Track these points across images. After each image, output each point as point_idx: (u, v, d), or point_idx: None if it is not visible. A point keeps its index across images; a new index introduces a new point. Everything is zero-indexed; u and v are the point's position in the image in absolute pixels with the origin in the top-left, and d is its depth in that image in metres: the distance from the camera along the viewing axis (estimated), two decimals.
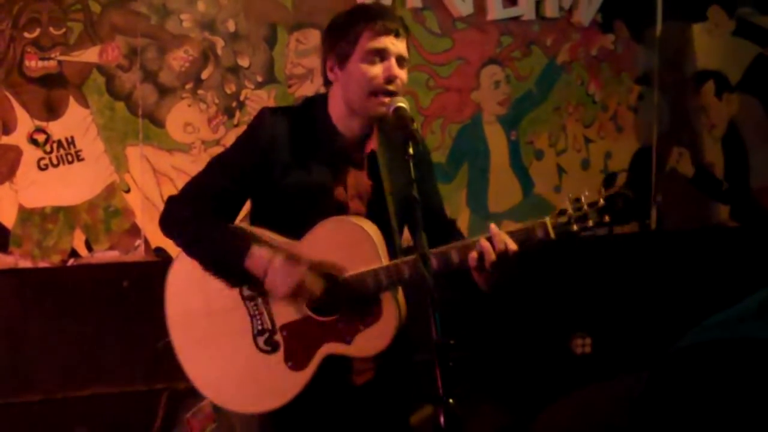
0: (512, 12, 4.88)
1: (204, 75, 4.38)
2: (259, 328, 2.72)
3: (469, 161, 4.89)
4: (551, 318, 4.98)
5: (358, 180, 2.76)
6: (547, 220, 2.54)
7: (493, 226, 2.54)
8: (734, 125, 5.40)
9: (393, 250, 2.71)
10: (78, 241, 4.26)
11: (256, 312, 2.72)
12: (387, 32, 2.67)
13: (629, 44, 5.14)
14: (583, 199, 2.54)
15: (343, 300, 2.64)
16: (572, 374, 4.80)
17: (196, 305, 2.76)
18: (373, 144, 2.79)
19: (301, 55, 4.52)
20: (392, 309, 2.62)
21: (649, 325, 5.00)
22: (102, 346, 4.26)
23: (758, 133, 5.45)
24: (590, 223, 2.49)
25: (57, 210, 4.23)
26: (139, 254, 4.33)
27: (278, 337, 2.70)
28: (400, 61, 2.70)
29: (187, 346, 2.79)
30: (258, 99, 4.45)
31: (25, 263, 4.19)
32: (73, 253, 4.26)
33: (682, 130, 5.32)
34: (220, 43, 4.38)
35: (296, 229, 2.69)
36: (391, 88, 2.67)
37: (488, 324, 4.77)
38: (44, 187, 4.20)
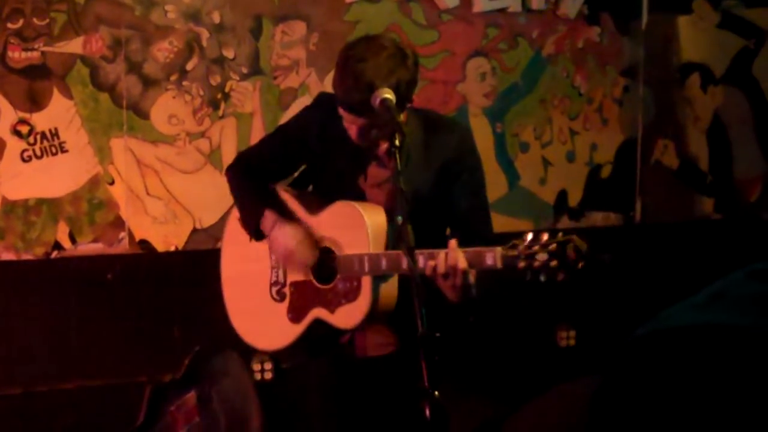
0: (498, 4, 4.87)
1: (189, 66, 4.35)
2: (275, 279, 3.09)
3: None
4: (535, 310, 4.99)
5: (378, 172, 2.95)
6: (499, 249, 2.61)
7: (452, 242, 2.67)
8: (719, 118, 5.41)
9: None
10: (62, 234, 4.24)
11: (276, 265, 3.09)
12: (346, 109, 2.80)
13: (615, 36, 5.14)
14: (539, 238, 2.56)
15: (335, 273, 2.90)
16: (556, 367, 4.81)
17: (234, 255, 3.21)
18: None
19: (287, 46, 4.51)
20: (367, 294, 2.84)
21: (634, 318, 5.00)
22: (85, 338, 4.25)
23: (743, 125, 5.46)
24: (536, 263, 2.52)
25: (40, 202, 4.20)
26: (123, 247, 4.31)
27: (286, 290, 3.05)
28: (366, 126, 2.80)
29: (229, 288, 3.26)
30: (243, 90, 4.43)
31: (8, 255, 4.16)
32: (57, 246, 4.23)
33: (667, 123, 5.33)
34: (205, 35, 4.36)
35: (321, 203, 3.02)
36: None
37: (473, 314, 4.77)
38: (27, 179, 4.18)
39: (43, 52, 4.14)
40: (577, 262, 2.47)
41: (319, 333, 2.99)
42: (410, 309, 2.73)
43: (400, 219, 2.76)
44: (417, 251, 2.65)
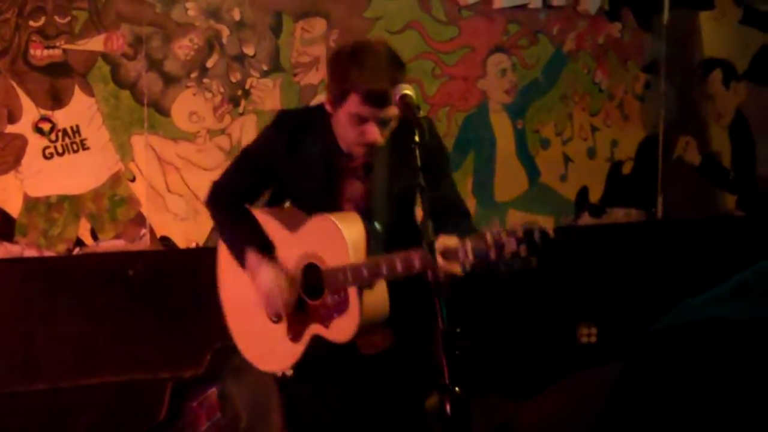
0: (519, 0, 4.86)
1: (209, 63, 4.37)
2: None
3: (475, 150, 4.88)
4: (557, 307, 4.97)
5: (353, 187, 2.95)
6: (469, 242, 2.55)
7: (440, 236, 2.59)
8: (741, 114, 5.38)
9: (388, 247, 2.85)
10: (83, 230, 4.26)
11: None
12: (372, 102, 2.73)
13: (636, 32, 5.12)
14: (505, 227, 2.52)
15: (323, 288, 2.88)
16: (577, 363, 4.79)
17: (231, 281, 3.17)
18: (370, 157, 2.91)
19: (307, 43, 4.51)
20: (355, 304, 2.82)
21: (655, 315, 4.98)
22: (107, 335, 4.26)
23: (765, 122, 5.43)
24: (506, 251, 2.45)
25: (62, 199, 4.22)
26: (144, 243, 4.33)
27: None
28: (383, 122, 2.78)
29: (230, 313, 3.21)
30: (263, 87, 4.44)
31: (31, 252, 4.19)
32: (79, 242, 4.26)
33: (688, 119, 5.30)
34: (225, 32, 4.37)
35: (301, 218, 2.99)
36: (364, 147, 2.83)
37: (494, 313, 4.76)
38: (49, 176, 4.20)
39: (64, 50, 4.16)
40: (544, 245, 2.44)
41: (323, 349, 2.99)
42: (403, 307, 2.85)
43: (378, 225, 2.87)
44: (388, 256, 2.71)
